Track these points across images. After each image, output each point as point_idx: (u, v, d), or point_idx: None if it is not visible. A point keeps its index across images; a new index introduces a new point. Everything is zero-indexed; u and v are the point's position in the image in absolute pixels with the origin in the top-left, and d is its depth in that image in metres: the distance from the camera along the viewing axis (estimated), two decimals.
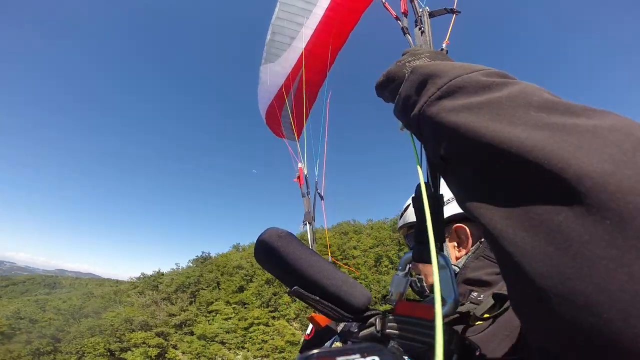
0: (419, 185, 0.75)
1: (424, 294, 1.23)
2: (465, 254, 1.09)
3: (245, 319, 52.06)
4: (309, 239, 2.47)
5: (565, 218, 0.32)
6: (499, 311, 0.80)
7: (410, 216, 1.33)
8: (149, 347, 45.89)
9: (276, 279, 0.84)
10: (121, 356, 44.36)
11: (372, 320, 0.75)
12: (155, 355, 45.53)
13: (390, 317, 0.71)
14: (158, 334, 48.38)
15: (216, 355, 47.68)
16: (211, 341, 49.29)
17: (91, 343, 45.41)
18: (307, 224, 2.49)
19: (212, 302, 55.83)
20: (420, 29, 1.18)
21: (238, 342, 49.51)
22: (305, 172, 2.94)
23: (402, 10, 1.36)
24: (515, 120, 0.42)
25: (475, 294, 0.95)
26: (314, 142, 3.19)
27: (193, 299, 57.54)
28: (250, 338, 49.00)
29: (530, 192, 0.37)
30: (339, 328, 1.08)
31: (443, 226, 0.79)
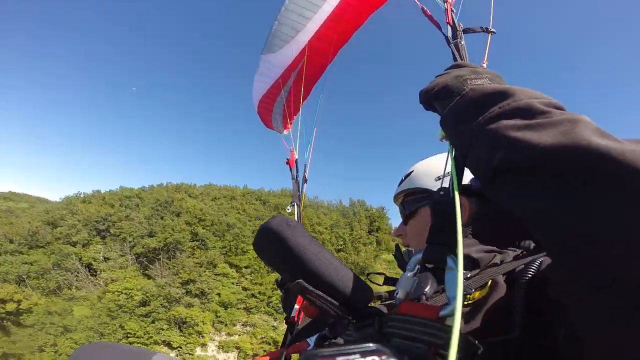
0: (439, 189, 0.80)
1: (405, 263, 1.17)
2: None
3: (261, 284, 47.66)
4: (296, 218, 2.64)
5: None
6: (486, 290, 0.80)
7: (414, 182, 1.26)
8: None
9: (274, 270, 0.81)
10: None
11: (371, 319, 0.74)
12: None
13: (391, 316, 0.70)
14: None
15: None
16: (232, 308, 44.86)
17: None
18: (295, 205, 2.64)
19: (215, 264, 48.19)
20: (460, 42, 1.25)
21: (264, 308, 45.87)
22: (296, 157, 3.09)
23: (448, 21, 1.38)
24: (572, 134, 0.47)
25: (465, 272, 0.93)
26: (307, 128, 3.38)
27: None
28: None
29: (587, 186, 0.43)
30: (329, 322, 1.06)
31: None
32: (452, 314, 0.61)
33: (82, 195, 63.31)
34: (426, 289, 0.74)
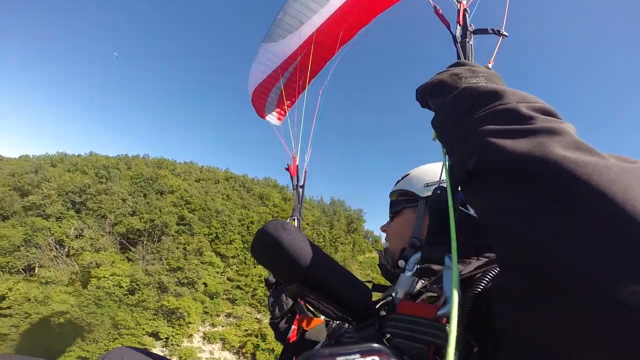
0: (435, 189, 0.80)
1: (389, 271, 1.21)
2: (407, 243, 1.12)
3: (247, 275, 45.76)
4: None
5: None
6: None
7: (406, 184, 1.30)
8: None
9: (274, 274, 0.80)
10: None
11: (371, 320, 0.74)
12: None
13: (390, 316, 0.69)
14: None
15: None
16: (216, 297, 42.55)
17: None
18: (296, 219, 2.49)
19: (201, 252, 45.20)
20: (468, 42, 1.26)
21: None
22: (298, 163, 2.81)
23: (458, 21, 1.38)
24: (544, 145, 0.47)
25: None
26: (306, 131, 3.13)
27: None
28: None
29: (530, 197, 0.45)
30: (329, 328, 1.05)
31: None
32: (449, 314, 0.62)
33: (48, 157, 56.34)
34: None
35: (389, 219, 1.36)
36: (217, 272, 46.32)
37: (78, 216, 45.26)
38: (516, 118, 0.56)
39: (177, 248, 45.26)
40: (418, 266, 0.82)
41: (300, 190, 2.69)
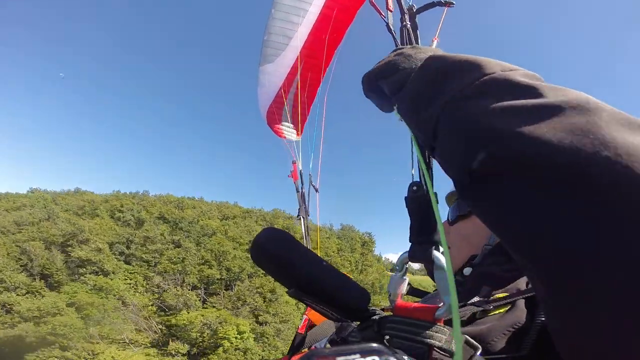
0: (411, 185, 0.74)
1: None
2: (479, 250, 1.08)
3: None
4: (303, 232, 2.59)
5: None
6: (505, 308, 0.80)
7: None
8: None
9: (275, 280, 0.82)
10: None
11: (371, 321, 0.75)
12: None
13: (389, 318, 0.70)
14: None
15: None
16: None
17: None
18: (302, 218, 2.59)
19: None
20: (405, 26, 1.10)
21: None
22: (300, 168, 3.03)
23: (387, 7, 1.29)
24: (591, 132, 0.34)
25: (487, 289, 0.93)
26: (310, 137, 3.34)
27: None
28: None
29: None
30: (336, 326, 1.06)
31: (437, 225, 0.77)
32: (446, 315, 0.63)
33: (48, 192, 50.93)
34: None
35: (446, 221, 1.28)
36: (297, 307, 43.71)
37: (131, 268, 42.19)
38: (518, 91, 0.44)
39: (253, 291, 43.21)
40: (407, 266, 0.80)
41: (307, 192, 2.85)
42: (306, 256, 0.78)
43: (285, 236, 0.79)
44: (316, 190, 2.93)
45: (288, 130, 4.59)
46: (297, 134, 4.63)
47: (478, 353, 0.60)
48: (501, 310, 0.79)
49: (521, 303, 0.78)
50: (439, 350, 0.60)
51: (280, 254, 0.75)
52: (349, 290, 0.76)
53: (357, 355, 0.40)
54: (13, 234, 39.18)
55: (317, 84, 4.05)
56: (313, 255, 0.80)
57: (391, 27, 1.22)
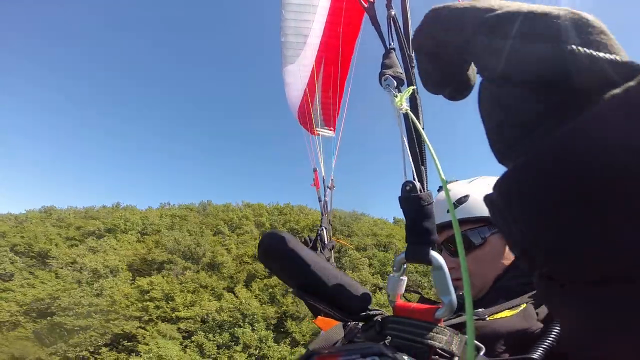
0: (404, 184, 0.73)
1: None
2: (507, 263, 1.17)
3: None
4: (326, 240, 2.56)
5: None
6: (512, 312, 0.80)
7: (474, 210, 1.25)
8: None
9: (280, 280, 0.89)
10: None
11: (373, 321, 0.76)
12: None
13: (390, 318, 0.70)
14: None
15: None
16: None
17: None
18: (325, 229, 2.59)
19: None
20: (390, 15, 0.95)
21: None
22: (323, 174, 3.01)
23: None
24: None
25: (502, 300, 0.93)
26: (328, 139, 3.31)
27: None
28: None
29: None
30: (346, 329, 1.09)
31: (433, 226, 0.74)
32: (445, 316, 0.63)
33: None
34: None
35: (448, 255, 1.30)
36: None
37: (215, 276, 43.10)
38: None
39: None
40: (404, 266, 0.79)
41: (326, 201, 2.84)
42: (307, 258, 0.82)
43: (287, 238, 0.85)
44: (329, 188, 2.94)
45: (321, 126, 4.69)
46: (330, 129, 4.71)
47: (481, 353, 0.61)
48: (507, 314, 0.80)
49: (531, 310, 0.78)
50: (439, 351, 0.60)
51: (282, 255, 0.82)
52: (350, 291, 0.79)
53: (358, 355, 0.40)
54: None
55: (344, 78, 4.08)
56: (314, 256, 0.85)
57: (374, 19, 1.07)
